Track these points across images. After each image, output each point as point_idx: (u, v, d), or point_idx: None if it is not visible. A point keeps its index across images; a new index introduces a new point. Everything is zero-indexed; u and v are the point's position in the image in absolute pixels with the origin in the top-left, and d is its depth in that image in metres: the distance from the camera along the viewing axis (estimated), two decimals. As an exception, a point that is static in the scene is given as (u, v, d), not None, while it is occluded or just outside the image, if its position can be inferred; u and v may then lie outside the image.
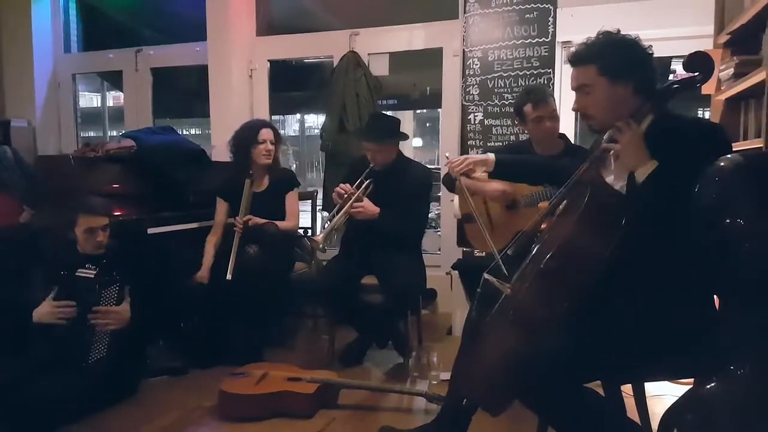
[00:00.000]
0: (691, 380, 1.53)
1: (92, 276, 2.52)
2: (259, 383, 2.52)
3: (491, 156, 2.10)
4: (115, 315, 2.54)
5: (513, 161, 2.18)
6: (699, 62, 1.55)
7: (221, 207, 3.36)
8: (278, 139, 3.38)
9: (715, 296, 1.50)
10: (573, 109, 1.73)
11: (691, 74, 1.57)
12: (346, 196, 2.90)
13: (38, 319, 2.43)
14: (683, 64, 1.57)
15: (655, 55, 1.64)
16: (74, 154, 3.70)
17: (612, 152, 1.62)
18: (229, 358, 2.90)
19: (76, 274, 2.53)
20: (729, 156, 1.34)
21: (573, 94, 1.74)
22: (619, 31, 1.64)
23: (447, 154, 2.17)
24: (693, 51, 1.57)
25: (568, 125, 3.45)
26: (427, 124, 7.35)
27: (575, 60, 1.67)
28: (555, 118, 2.68)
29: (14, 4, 4.80)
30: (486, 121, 3.55)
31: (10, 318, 2.51)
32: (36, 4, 4.82)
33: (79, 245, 2.61)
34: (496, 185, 2.57)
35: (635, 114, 1.60)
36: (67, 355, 2.43)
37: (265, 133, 3.27)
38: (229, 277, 2.96)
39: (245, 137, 3.28)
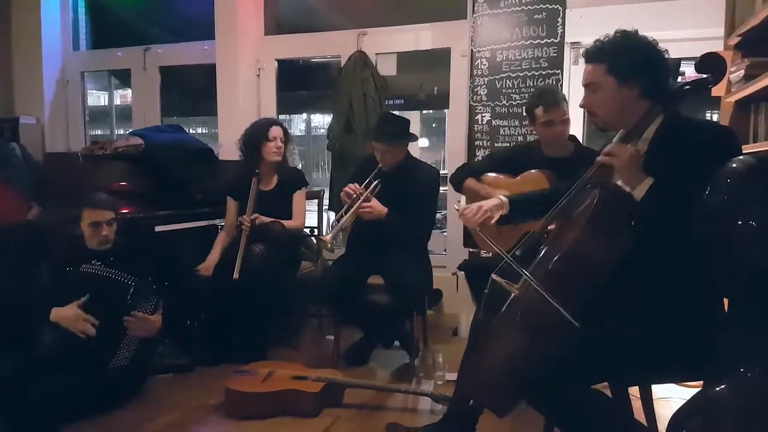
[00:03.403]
0: (699, 383, 1.53)
1: (131, 283, 2.52)
2: (264, 381, 2.53)
3: (504, 199, 2.06)
4: (150, 324, 2.56)
5: (527, 199, 2.13)
6: (711, 63, 1.54)
7: (231, 206, 3.36)
8: (287, 137, 3.39)
9: (724, 298, 1.50)
10: (580, 106, 1.73)
11: (702, 75, 1.56)
12: (354, 196, 2.90)
13: (56, 320, 2.40)
14: (695, 65, 1.56)
15: (667, 60, 1.63)
16: (82, 152, 3.71)
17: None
18: (235, 357, 2.91)
19: (83, 269, 2.53)
20: (741, 157, 1.34)
21: (581, 95, 1.74)
22: (636, 31, 1.63)
23: (456, 206, 2.13)
24: (705, 52, 1.56)
25: (576, 125, 3.44)
26: (434, 125, 7.34)
27: (588, 56, 1.67)
28: (566, 122, 2.67)
29: (24, 3, 4.82)
30: (494, 122, 3.54)
31: (18, 315, 2.51)
32: (45, 3, 4.84)
33: (86, 241, 2.62)
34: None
35: (645, 116, 1.59)
36: (89, 356, 2.41)
37: (276, 131, 3.29)
38: (236, 276, 2.96)
39: (255, 134, 3.29)
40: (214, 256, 3.24)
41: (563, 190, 1.81)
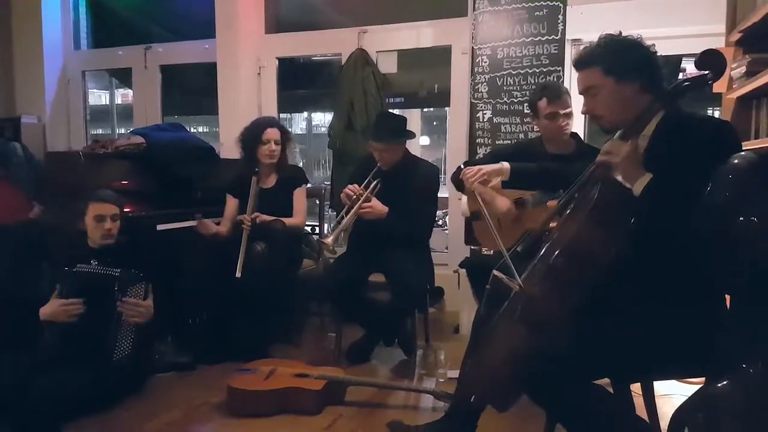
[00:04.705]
0: (701, 380, 1.53)
1: (117, 274, 2.52)
2: (266, 379, 2.53)
3: (506, 165, 2.09)
4: (143, 309, 2.57)
5: (528, 169, 2.16)
6: (711, 60, 1.53)
7: (231, 203, 3.37)
8: (286, 137, 3.38)
9: (725, 294, 1.50)
10: (582, 113, 1.74)
11: (702, 72, 1.56)
12: (354, 197, 2.90)
13: (46, 318, 2.42)
14: (695, 62, 1.55)
15: (664, 54, 1.65)
16: (84, 151, 3.71)
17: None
18: (237, 355, 2.91)
19: (76, 269, 2.52)
20: (743, 154, 1.34)
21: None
22: (620, 32, 1.65)
23: (462, 165, 2.17)
24: (705, 49, 1.56)
25: (578, 125, 3.44)
26: (434, 123, 7.33)
27: (580, 63, 1.68)
28: (569, 114, 2.67)
29: (25, 2, 4.82)
30: (495, 119, 3.53)
31: (20, 314, 2.52)
32: (46, 2, 4.84)
33: (88, 236, 2.64)
34: (503, 202, 2.56)
35: (644, 113, 1.59)
36: (91, 352, 2.42)
37: (270, 133, 3.28)
38: (238, 275, 2.96)
39: (251, 136, 3.30)
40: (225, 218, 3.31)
41: (564, 170, 1.82)
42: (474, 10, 3.54)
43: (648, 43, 1.63)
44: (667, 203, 1.45)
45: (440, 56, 4.14)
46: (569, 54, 3.48)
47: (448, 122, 4.32)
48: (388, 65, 4.25)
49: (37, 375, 2.24)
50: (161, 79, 4.85)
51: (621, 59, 1.60)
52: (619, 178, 1.57)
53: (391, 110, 3.98)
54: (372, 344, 3.14)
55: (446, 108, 4.42)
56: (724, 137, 1.51)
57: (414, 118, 4.77)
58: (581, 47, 1.72)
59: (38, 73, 4.86)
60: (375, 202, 2.92)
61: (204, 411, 2.51)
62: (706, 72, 1.54)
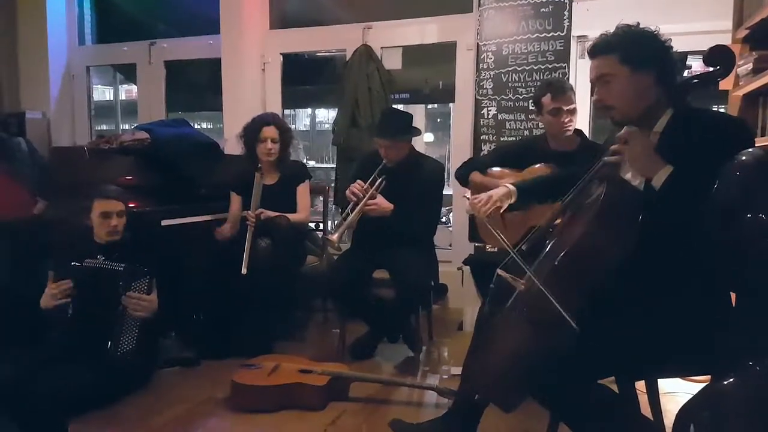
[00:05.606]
0: (705, 378, 1.52)
1: (121, 269, 2.53)
2: (271, 375, 2.54)
3: (512, 187, 2.04)
4: (147, 303, 2.57)
5: (534, 184, 2.11)
6: (720, 56, 1.52)
7: (235, 200, 3.39)
8: (286, 135, 3.37)
9: (731, 291, 1.49)
10: (593, 102, 1.71)
11: (710, 68, 1.55)
12: (360, 194, 2.89)
13: (44, 306, 2.46)
14: (704, 58, 1.54)
15: (673, 49, 1.62)
16: (88, 146, 3.72)
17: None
18: (241, 350, 2.92)
19: (85, 264, 2.54)
20: (750, 150, 1.33)
21: (588, 89, 1.73)
22: (638, 23, 1.63)
23: (465, 195, 2.12)
24: (713, 45, 1.55)
25: (583, 122, 3.43)
26: (438, 119, 7.32)
27: (595, 50, 1.64)
28: (573, 111, 2.66)
29: (29, -2, 4.84)
30: (499, 116, 3.53)
31: (24, 309, 2.53)
32: (50, -3, 4.85)
33: (94, 233, 2.65)
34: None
35: (654, 106, 1.58)
36: (95, 345, 2.44)
37: (267, 131, 3.28)
38: (244, 271, 2.97)
39: (249, 134, 3.32)
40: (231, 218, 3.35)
41: (568, 175, 1.80)
42: (479, 6, 3.54)
43: (664, 37, 1.60)
44: (688, 198, 1.42)
45: (445, 52, 4.13)
46: (575, 50, 3.47)
47: (453, 119, 4.31)
48: (392, 61, 4.24)
49: (42, 370, 2.25)
50: (166, 74, 4.85)
51: (638, 48, 1.57)
52: (635, 169, 1.54)
53: (396, 106, 3.97)
54: (376, 341, 3.14)
55: (450, 104, 4.41)
56: (737, 133, 1.49)
57: (418, 114, 4.76)
58: (586, 43, 1.70)
59: (43, 68, 4.86)
60: (380, 199, 2.92)
61: (208, 406, 2.52)
62: (715, 68, 1.53)
